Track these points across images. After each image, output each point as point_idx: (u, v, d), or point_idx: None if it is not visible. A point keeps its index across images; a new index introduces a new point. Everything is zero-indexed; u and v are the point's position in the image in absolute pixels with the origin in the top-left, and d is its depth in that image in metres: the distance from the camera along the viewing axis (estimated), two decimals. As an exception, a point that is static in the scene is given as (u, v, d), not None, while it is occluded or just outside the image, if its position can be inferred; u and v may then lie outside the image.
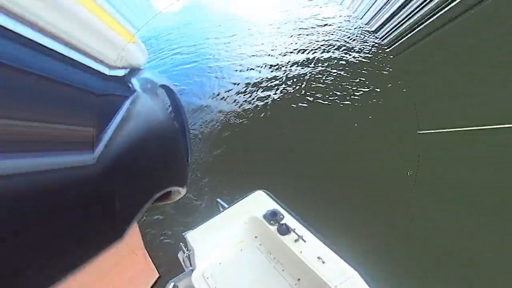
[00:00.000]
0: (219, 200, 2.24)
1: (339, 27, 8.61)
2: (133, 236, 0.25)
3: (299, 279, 1.54)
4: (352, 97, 5.31)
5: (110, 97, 0.24)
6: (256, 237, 1.76)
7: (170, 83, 0.29)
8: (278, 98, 5.87)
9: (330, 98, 5.45)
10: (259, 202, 1.86)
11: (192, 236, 1.71)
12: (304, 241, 1.57)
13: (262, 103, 5.79)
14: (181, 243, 1.77)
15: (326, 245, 1.56)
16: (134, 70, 0.25)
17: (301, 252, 1.55)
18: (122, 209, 0.19)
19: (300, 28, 9.06)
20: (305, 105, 5.34)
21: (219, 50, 9.47)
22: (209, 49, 9.83)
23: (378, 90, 5.23)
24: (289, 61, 7.17)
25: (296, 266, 1.56)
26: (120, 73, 0.25)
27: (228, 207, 1.88)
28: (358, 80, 5.63)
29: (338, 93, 5.47)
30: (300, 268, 1.53)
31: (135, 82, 0.24)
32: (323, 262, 1.48)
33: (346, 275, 1.40)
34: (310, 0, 11.58)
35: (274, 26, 10.24)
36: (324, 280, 1.42)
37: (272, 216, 1.73)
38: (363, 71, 5.90)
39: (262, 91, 6.27)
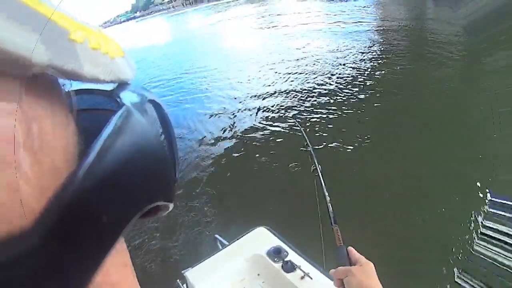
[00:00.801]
0: (217, 236, 2.19)
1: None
2: (121, 252, 0.24)
3: None
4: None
5: (97, 112, 0.24)
6: (258, 274, 1.69)
7: (158, 98, 0.29)
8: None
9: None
10: (262, 238, 1.80)
11: (192, 274, 1.64)
12: (311, 278, 1.53)
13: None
14: (178, 280, 1.71)
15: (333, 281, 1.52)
16: (122, 85, 0.25)
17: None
18: (110, 223, 0.19)
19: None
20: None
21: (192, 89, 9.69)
22: (183, 86, 10.06)
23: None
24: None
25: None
26: (108, 87, 0.24)
27: (229, 244, 1.82)
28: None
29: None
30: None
31: (123, 96, 0.24)
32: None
33: None
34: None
35: (260, 65, 10.47)
36: None
37: (276, 253, 1.67)
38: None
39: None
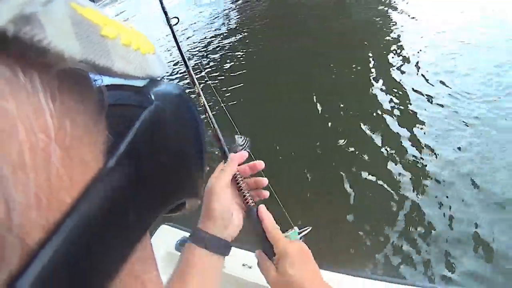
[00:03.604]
0: None
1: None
2: (146, 245, 0.24)
3: None
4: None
5: (128, 107, 0.22)
6: None
7: (186, 94, 0.28)
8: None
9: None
10: (167, 236, 1.75)
11: None
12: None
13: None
14: None
15: (246, 250, 1.52)
16: (152, 81, 0.24)
17: (224, 267, 1.49)
18: (137, 218, 0.18)
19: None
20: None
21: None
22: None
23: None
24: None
25: (227, 281, 1.52)
26: (139, 83, 0.23)
27: None
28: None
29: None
30: (230, 282, 1.50)
31: (153, 92, 0.23)
32: (250, 267, 1.45)
33: None
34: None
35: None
36: (259, 283, 1.39)
37: (183, 245, 1.62)
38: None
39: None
